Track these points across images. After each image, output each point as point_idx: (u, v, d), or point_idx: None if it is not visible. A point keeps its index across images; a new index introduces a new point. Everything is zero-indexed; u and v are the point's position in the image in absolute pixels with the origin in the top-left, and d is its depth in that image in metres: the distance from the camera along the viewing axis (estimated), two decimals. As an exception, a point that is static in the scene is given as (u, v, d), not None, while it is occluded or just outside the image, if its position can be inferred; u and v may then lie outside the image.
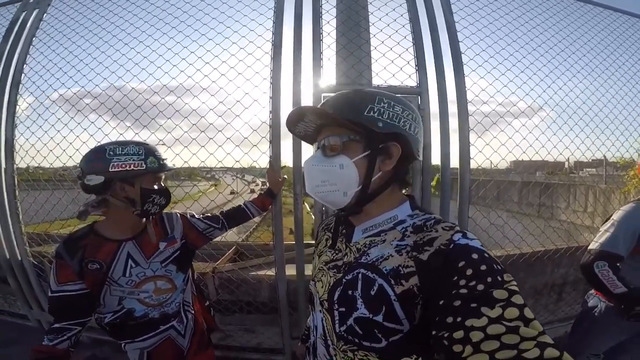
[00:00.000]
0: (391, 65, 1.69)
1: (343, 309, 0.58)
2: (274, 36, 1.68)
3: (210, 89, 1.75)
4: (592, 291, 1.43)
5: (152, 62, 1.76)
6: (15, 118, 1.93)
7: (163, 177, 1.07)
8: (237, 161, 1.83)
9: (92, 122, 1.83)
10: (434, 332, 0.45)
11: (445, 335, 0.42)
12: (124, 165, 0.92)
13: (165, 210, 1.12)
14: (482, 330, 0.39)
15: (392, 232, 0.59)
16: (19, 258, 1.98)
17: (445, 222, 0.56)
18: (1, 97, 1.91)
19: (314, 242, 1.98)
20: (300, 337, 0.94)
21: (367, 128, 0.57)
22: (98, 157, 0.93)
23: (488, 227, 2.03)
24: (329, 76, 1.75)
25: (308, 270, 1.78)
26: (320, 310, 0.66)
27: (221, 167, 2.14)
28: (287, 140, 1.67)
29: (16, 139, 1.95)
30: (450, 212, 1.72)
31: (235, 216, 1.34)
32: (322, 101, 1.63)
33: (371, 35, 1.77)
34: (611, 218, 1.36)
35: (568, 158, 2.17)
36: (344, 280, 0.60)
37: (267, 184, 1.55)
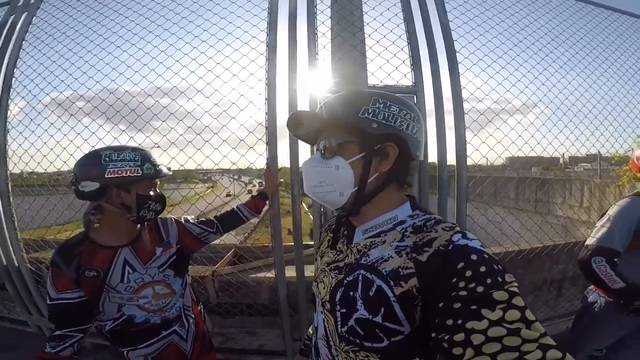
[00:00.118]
0: (386, 65, 1.69)
1: (344, 310, 0.58)
2: (268, 37, 1.67)
3: (205, 91, 1.74)
4: (592, 287, 1.44)
5: (145, 65, 1.74)
6: (7, 123, 1.90)
7: (158, 182, 1.06)
8: (233, 163, 1.82)
9: (86, 127, 1.81)
10: (433, 335, 0.45)
11: (446, 337, 0.42)
12: (120, 172, 0.91)
13: (160, 215, 1.12)
14: (483, 332, 0.39)
15: (392, 233, 0.59)
16: (16, 264, 1.95)
17: (445, 222, 0.56)
18: (-8, 101, 1.88)
19: (312, 242, 1.98)
20: (300, 347, 0.93)
21: (362, 129, 0.57)
22: (93, 163, 0.91)
23: (486, 224, 2.04)
24: (325, 76, 1.75)
25: (308, 271, 1.78)
26: (321, 312, 0.66)
27: (217, 169, 2.13)
28: (283, 142, 1.66)
29: (9, 145, 1.92)
30: (447, 210, 1.72)
31: (229, 220, 1.33)
32: (318, 101, 1.64)
33: (366, 35, 1.76)
34: (607, 213, 1.36)
35: (563, 154, 2.19)
36: (345, 281, 0.60)
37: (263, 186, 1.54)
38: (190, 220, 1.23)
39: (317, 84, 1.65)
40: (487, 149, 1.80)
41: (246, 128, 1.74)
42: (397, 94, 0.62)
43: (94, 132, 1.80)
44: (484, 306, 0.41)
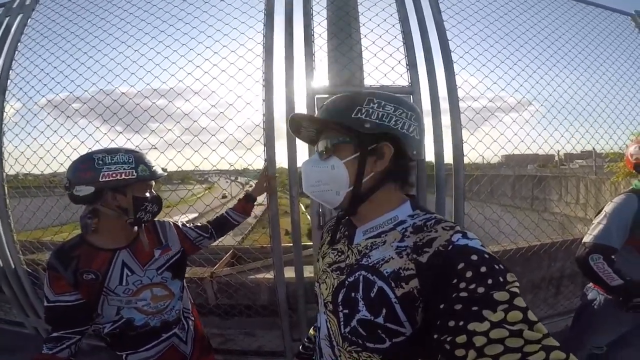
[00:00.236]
0: (383, 65, 1.70)
1: (347, 311, 0.58)
2: (265, 38, 1.68)
3: (202, 92, 1.74)
4: (591, 284, 1.43)
5: (141, 67, 1.74)
6: (3, 125, 1.89)
7: (153, 183, 1.06)
8: (231, 165, 1.82)
9: (83, 128, 1.81)
10: (435, 336, 0.44)
11: (448, 339, 0.42)
12: (114, 175, 0.90)
13: (159, 217, 1.11)
14: (484, 334, 0.39)
15: (392, 233, 0.59)
16: (13, 266, 1.94)
17: (445, 221, 0.56)
18: (-13, 104, 1.87)
19: (311, 243, 1.98)
20: (298, 350, 0.91)
21: (355, 130, 0.57)
22: (86, 166, 0.90)
23: (484, 222, 2.05)
24: (322, 77, 1.75)
25: (307, 272, 1.78)
26: (324, 312, 0.66)
27: (215, 171, 2.13)
28: (281, 143, 1.67)
29: (4, 147, 1.91)
30: (445, 209, 1.73)
31: (221, 225, 1.33)
32: (315, 102, 1.64)
33: (362, 36, 1.77)
34: (603, 210, 1.36)
35: (558, 151, 2.21)
36: (346, 282, 0.60)
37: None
38: (187, 225, 1.23)
39: (314, 84, 1.65)
40: (483, 147, 1.81)
41: (244, 129, 1.75)
42: (395, 94, 0.63)
43: (90, 134, 1.80)
44: (485, 307, 0.41)
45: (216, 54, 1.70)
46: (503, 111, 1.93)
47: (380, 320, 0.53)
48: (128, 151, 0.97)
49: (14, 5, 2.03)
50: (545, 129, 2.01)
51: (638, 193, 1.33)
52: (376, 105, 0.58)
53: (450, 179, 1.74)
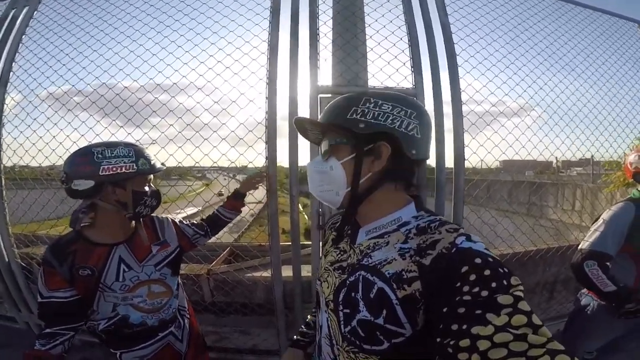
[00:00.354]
0: (387, 67, 1.70)
1: (347, 311, 0.58)
2: (270, 36, 1.67)
3: (205, 88, 1.73)
4: (584, 290, 1.45)
5: (145, 61, 1.73)
6: (3, 117, 1.87)
7: (152, 178, 1.05)
8: (232, 162, 1.81)
9: (83, 122, 1.79)
10: (438, 340, 0.44)
11: (451, 343, 0.41)
12: (114, 169, 0.89)
13: (157, 212, 1.11)
14: (488, 338, 0.38)
15: (396, 234, 0.58)
16: (7, 260, 1.92)
17: (450, 224, 0.55)
18: (-12, 95, 1.85)
19: (309, 242, 1.98)
20: (295, 338, 0.88)
21: (351, 130, 0.58)
22: (86, 160, 0.89)
23: (482, 226, 2.06)
24: (326, 77, 1.75)
25: (304, 271, 1.78)
26: (325, 310, 0.66)
27: (213, 167, 2.12)
28: (283, 141, 1.66)
29: (3, 139, 1.89)
30: (444, 212, 1.74)
31: (214, 223, 1.33)
32: (319, 101, 1.64)
33: (367, 37, 1.77)
34: (601, 217, 1.38)
35: (557, 157, 2.22)
36: (347, 282, 0.60)
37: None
38: (184, 222, 1.22)
39: (318, 84, 1.65)
40: (484, 151, 1.82)
41: (245, 126, 1.74)
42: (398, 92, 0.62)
43: (91, 128, 1.79)
44: (489, 310, 0.40)
45: (221, 50, 1.70)
46: (505, 116, 1.94)
47: (380, 321, 0.53)
48: (128, 145, 0.96)
49: (21, -2, 2.01)
50: (546, 135, 2.02)
51: (636, 202, 1.36)
52: (372, 104, 0.57)
53: (450, 182, 1.74)
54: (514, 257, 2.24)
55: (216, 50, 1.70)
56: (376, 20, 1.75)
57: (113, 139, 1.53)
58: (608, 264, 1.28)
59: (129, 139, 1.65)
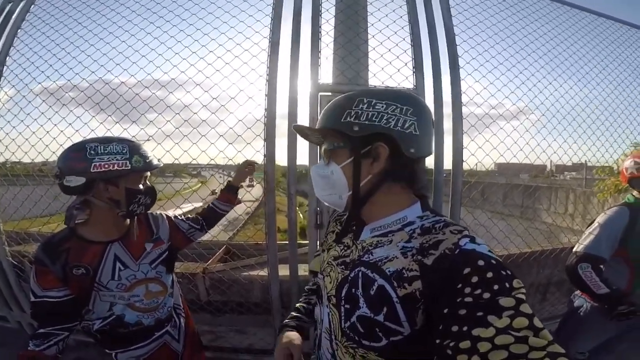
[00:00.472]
0: (389, 67, 1.70)
1: (348, 306, 0.58)
2: (271, 33, 1.65)
3: (203, 84, 1.71)
4: (578, 292, 1.47)
5: (143, 56, 1.70)
6: (-5, 111, 1.83)
7: (148, 175, 1.02)
8: (230, 159, 1.79)
9: (78, 117, 1.75)
10: (437, 341, 0.44)
11: (451, 344, 0.41)
12: (106, 166, 0.86)
13: (153, 209, 1.08)
14: (489, 340, 0.38)
15: (400, 233, 0.58)
16: (-3, 258, 1.88)
17: (454, 225, 0.55)
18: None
19: (305, 241, 1.97)
20: (284, 322, 0.80)
21: (346, 134, 0.57)
22: (78, 156, 0.86)
23: (478, 228, 2.07)
24: (326, 75, 1.74)
25: (301, 270, 1.77)
26: (327, 305, 0.66)
27: (209, 164, 2.09)
28: (282, 139, 1.65)
29: (-5, 133, 1.85)
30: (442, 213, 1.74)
31: (209, 217, 1.31)
32: (319, 100, 1.63)
33: (370, 36, 1.76)
34: (596, 221, 1.40)
35: (551, 161, 2.24)
36: (349, 277, 0.60)
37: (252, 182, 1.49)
38: (178, 217, 1.21)
39: (318, 82, 1.64)
40: (482, 154, 1.82)
41: (244, 124, 1.72)
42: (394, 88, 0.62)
43: (86, 123, 1.75)
44: (490, 313, 0.40)
45: (221, 46, 1.68)
46: (505, 119, 1.94)
47: (380, 318, 0.53)
48: (122, 141, 0.92)
49: (18, -8, 1.96)
50: (544, 139, 2.04)
51: (630, 206, 1.38)
52: (366, 105, 0.56)
53: (448, 184, 1.75)
54: (509, 258, 2.26)
55: (216, 46, 1.68)
56: (379, 20, 1.75)
57: (109, 135, 1.50)
58: (602, 267, 1.31)
59: (125, 135, 1.62)
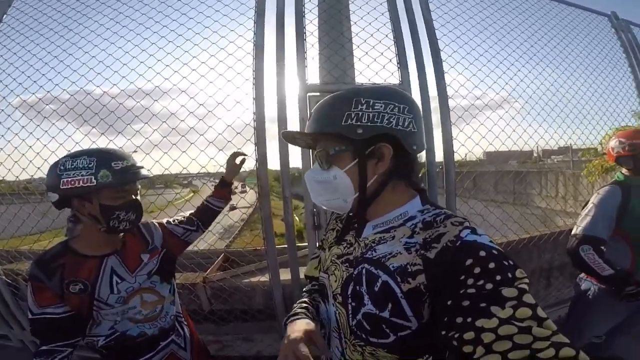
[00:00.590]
0: (374, 64, 1.70)
1: (354, 304, 0.58)
2: (255, 36, 1.64)
3: (189, 91, 1.69)
4: (582, 275, 1.46)
5: (125, 64, 1.66)
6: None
7: (137, 188, 0.98)
8: (221, 166, 1.77)
9: (61, 130, 1.70)
10: (443, 333, 0.44)
11: (455, 336, 0.42)
12: (72, 182, 0.83)
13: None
14: (493, 331, 0.39)
15: (402, 229, 0.58)
16: (-10, 277, 1.81)
17: (455, 217, 0.55)
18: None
19: (302, 244, 1.96)
20: (288, 315, 0.69)
21: (349, 137, 0.56)
22: (52, 172, 0.85)
23: (474, 217, 2.09)
24: (313, 75, 1.73)
25: (302, 273, 1.75)
26: (333, 304, 0.65)
27: (200, 173, 2.06)
28: (273, 142, 1.63)
29: (-27, 151, 1.78)
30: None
31: (205, 215, 1.28)
32: (307, 100, 1.62)
33: (353, 34, 1.77)
34: (590, 202, 1.40)
35: (537, 147, 2.28)
36: (353, 275, 0.60)
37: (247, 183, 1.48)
38: (172, 222, 1.18)
39: (306, 82, 1.63)
40: (471, 144, 1.85)
41: (233, 129, 1.70)
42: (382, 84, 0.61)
43: (70, 136, 1.70)
44: (494, 303, 0.41)
45: (204, 51, 1.66)
46: (490, 108, 1.98)
47: (385, 314, 0.53)
48: (92, 154, 0.87)
49: (-12, 1, 1.89)
50: (530, 125, 2.08)
51: (621, 184, 1.38)
52: (364, 106, 0.56)
53: (440, 176, 1.76)
54: (508, 245, 2.26)
55: (199, 52, 1.66)
56: (362, 18, 1.76)
57: (94, 147, 1.46)
58: (603, 247, 1.30)
59: (112, 146, 1.58)
